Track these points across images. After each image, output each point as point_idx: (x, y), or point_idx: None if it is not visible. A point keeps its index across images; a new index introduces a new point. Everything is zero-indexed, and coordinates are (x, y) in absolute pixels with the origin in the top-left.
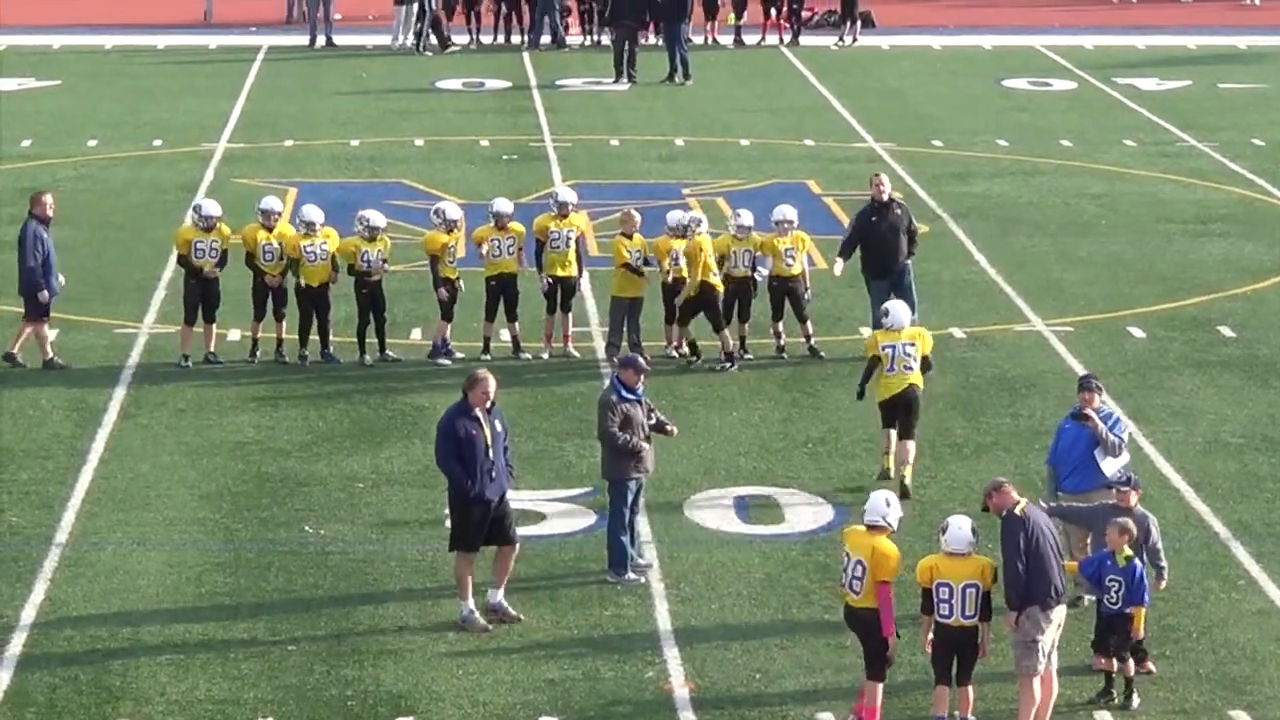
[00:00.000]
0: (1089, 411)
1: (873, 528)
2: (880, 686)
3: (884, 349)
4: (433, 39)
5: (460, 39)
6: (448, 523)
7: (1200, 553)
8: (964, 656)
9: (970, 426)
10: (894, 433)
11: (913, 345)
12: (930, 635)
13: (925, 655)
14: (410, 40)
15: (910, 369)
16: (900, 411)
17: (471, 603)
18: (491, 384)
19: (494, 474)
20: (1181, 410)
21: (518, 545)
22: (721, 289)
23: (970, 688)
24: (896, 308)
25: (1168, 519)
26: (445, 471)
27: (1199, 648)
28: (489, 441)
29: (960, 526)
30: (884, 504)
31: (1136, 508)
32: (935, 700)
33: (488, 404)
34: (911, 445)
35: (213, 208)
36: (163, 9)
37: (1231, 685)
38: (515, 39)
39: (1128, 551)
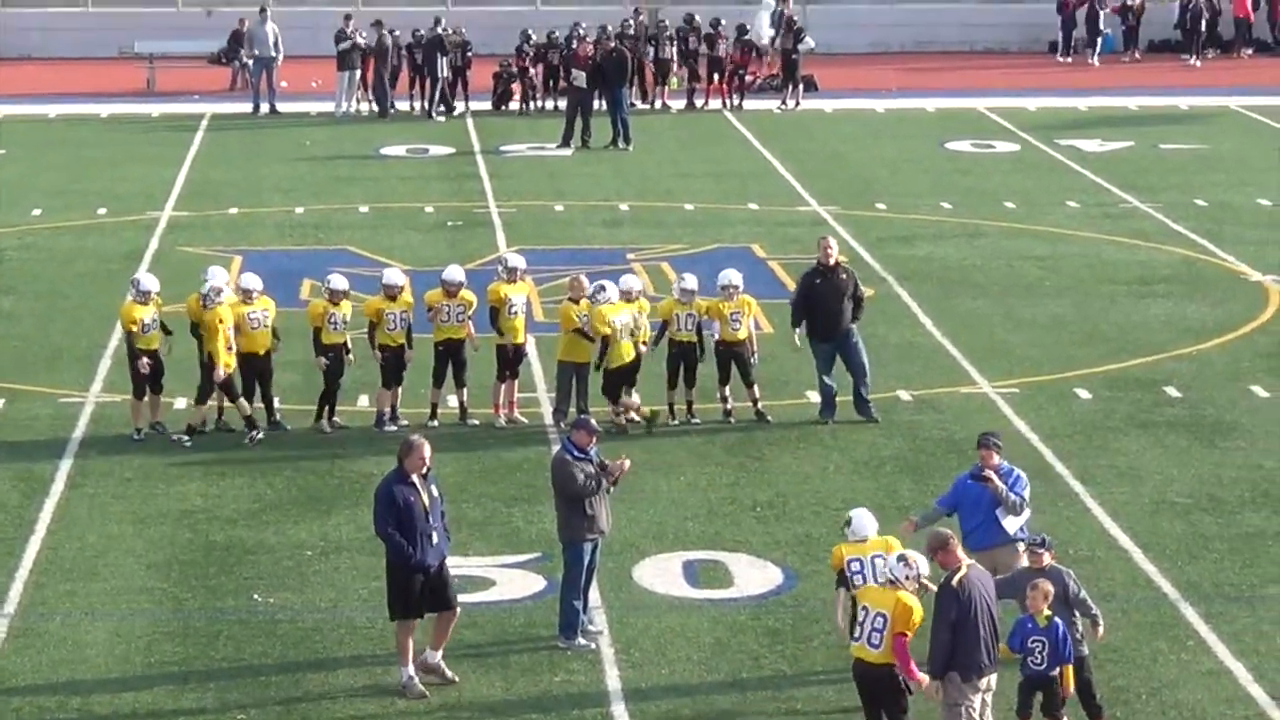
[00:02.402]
0: (988, 472)
1: (891, 583)
2: None
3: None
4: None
5: (404, 105)
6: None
7: (1149, 613)
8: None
9: (918, 488)
10: None
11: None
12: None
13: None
14: (355, 107)
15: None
16: None
17: (412, 669)
18: (427, 450)
19: (433, 540)
20: (1128, 471)
21: (458, 611)
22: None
23: None
24: (859, 516)
25: (1116, 580)
26: (384, 539)
27: (1149, 709)
28: (426, 508)
29: (861, 518)
30: (897, 561)
31: (1050, 565)
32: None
33: (424, 470)
34: None
35: (151, 282)
36: (106, 78)
37: None
38: (460, 105)
39: (1047, 612)
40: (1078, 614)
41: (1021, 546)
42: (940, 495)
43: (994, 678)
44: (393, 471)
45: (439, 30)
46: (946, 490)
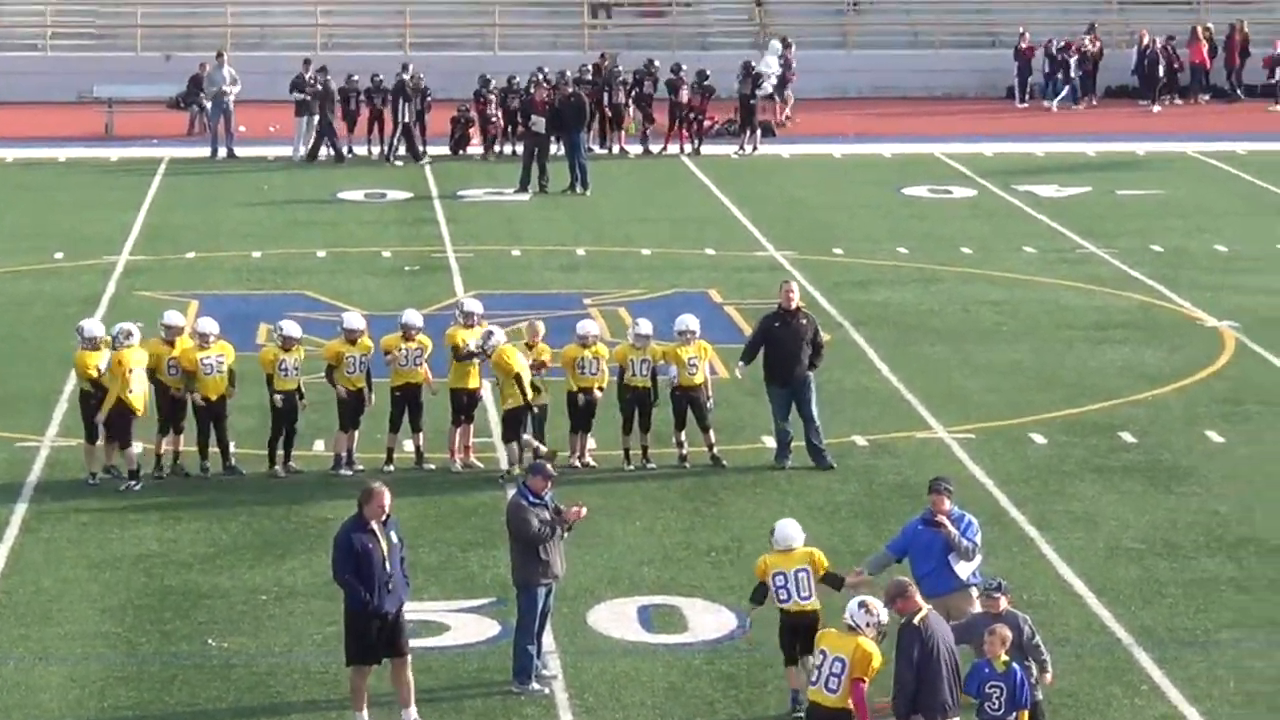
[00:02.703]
0: (940, 518)
1: (851, 629)
2: None
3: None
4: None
5: (361, 150)
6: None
7: (1103, 658)
8: (806, 636)
9: (873, 533)
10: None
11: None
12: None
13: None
14: (300, 152)
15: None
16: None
17: (365, 714)
18: (387, 497)
19: (390, 586)
20: (1083, 516)
21: (409, 657)
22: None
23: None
24: (784, 525)
25: (1070, 625)
26: (342, 585)
27: None
28: (385, 554)
29: (786, 528)
30: (857, 607)
31: (1006, 610)
32: (788, 677)
33: (383, 516)
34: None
35: (96, 328)
36: (64, 122)
37: None
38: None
39: (1005, 657)
40: (1030, 658)
41: (975, 592)
42: (890, 540)
43: None
44: (351, 518)
45: (404, 76)
46: (896, 535)
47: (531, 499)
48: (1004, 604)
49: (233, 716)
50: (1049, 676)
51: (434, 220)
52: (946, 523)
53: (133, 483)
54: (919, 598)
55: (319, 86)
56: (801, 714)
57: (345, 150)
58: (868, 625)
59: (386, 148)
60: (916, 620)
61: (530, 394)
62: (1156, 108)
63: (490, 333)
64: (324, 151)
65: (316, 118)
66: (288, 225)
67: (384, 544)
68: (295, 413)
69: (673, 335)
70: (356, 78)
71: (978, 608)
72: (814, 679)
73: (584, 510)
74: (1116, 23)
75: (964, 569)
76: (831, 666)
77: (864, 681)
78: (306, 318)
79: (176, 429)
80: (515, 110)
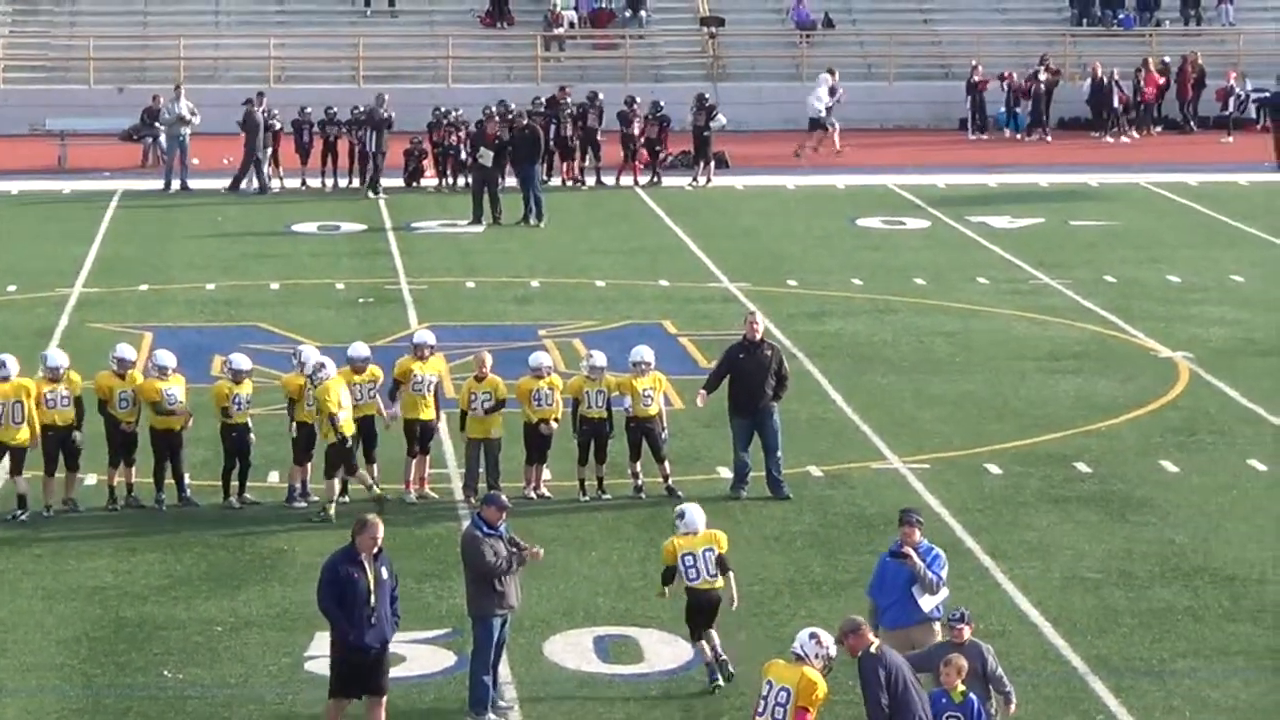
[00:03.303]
0: (907, 550)
1: (798, 658)
2: None
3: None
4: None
5: (314, 182)
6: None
7: (1059, 688)
8: (710, 613)
9: (828, 564)
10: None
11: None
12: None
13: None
14: (267, 183)
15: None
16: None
17: None
18: (380, 530)
19: (374, 620)
20: (1039, 546)
21: (385, 698)
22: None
23: (714, 630)
24: (691, 509)
25: (1026, 654)
26: (324, 614)
27: None
28: (371, 587)
29: (693, 513)
30: (808, 637)
31: (969, 640)
32: (699, 651)
33: (375, 549)
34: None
35: (60, 358)
36: (16, 154)
37: None
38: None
39: (961, 687)
40: (993, 689)
41: (938, 625)
42: (869, 584)
43: None
44: (342, 549)
45: (382, 109)
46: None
47: (486, 529)
48: (967, 634)
49: None
50: (1012, 708)
51: (388, 252)
52: (913, 554)
53: (19, 512)
54: (870, 634)
55: (248, 118)
56: (720, 684)
57: (250, 182)
58: (816, 656)
59: (368, 178)
60: (874, 649)
61: (332, 435)
62: (1126, 139)
63: (322, 364)
64: (278, 182)
65: (269, 150)
66: (241, 258)
67: (370, 577)
68: (248, 446)
69: (627, 366)
70: (310, 110)
71: (941, 639)
72: (759, 710)
73: (541, 553)
74: (1069, 55)
75: (928, 602)
76: (777, 696)
77: (809, 712)
78: (261, 349)
79: (128, 461)
80: (457, 145)
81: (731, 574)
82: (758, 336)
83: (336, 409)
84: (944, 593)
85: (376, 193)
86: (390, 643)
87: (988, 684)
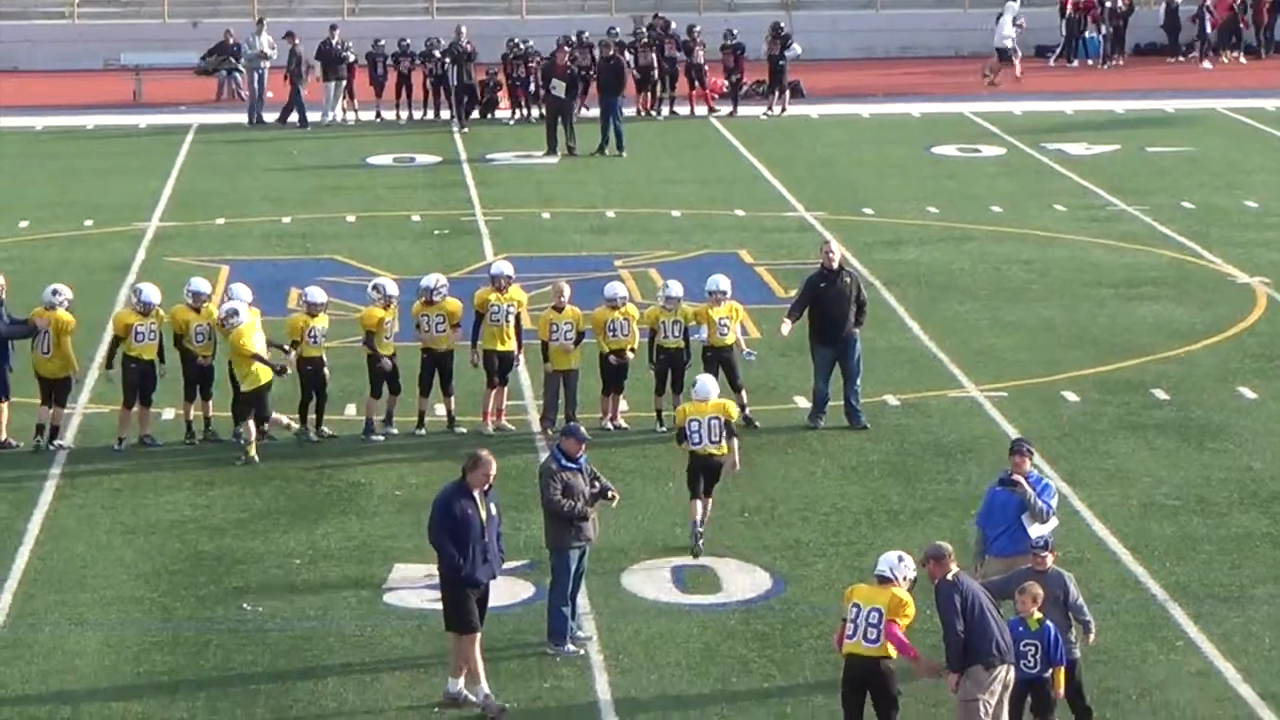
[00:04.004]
0: (1018, 477)
1: (884, 580)
2: None
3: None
4: (392, 114)
5: (389, 114)
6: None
7: (1138, 615)
8: (710, 477)
9: (906, 493)
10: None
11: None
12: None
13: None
14: (341, 116)
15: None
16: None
17: (461, 683)
18: (493, 466)
19: (486, 556)
20: (1116, 473)
21: (479, 634)
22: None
23: (710, 499)
24: (703, 379)
25: (1105, 581)
26: (437, 549)
27: (1139, 709)
28: (484, 523)
29: (705, 382)
30: (896, 559)
31: (1051, 569)
32: (690, 510)
33: (486, 486)
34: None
35: (153, 294)
36: (92, 89)
37: None
38: (445, 114)
39: (1037, 615)
40: (1073, 617)
41: (1048, 555)
42: (977, 514)
43: (1011, 673)
44: (454, 483)
45: (462, 41)
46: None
47: (564, 462)
48: (1049, 562)
49: (268, 680)
50: (1092, 637)
51: (463, 184)
52: (1024, 483)
53: (39, 439)
54: (953, 563)
55: (294, 53)
56: (697, 551)
57: (326, 115)
58: (903, 578)
59: (456, 110)
60: (949, 577)
61: (272, 371)
62: (1208, 64)
63: (234, 311)
64: (353, 116)
65: (344, 82)
66: (317, 191)
67: (483, 513)
68: (324, 379)
69: (703, 296)
70: (383, 42)
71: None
72: (850, 633)
73: (618, 498)
74: None
75: (1036, 530)
76: (869, 618)
77: (898, 624)
78: (336, 282)
79: (205, 395)
80: (527, 76)
81: (736, 440)
82: (835, 264)
83: (260, 350)
84: (1054, 521)
85: (464, 125)
86: (495, 579)
87: (1068, 612)
